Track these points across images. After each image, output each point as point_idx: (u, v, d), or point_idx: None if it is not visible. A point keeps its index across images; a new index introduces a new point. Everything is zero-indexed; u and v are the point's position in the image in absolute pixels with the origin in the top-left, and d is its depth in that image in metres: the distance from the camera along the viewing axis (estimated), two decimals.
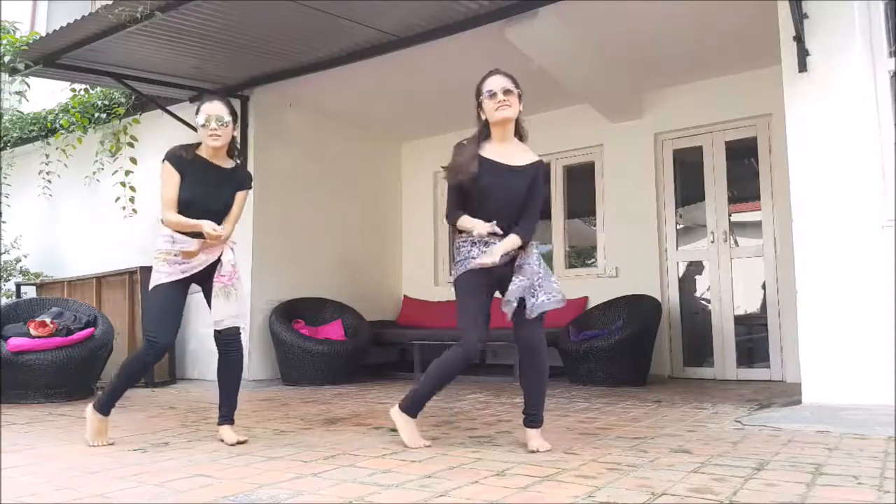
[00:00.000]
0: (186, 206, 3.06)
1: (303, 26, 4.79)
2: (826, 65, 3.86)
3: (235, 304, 3.15)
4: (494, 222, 2.82)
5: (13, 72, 5.25)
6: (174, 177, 3.08)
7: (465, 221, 2.90)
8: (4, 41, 5.25)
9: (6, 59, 5.11)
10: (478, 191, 2.88)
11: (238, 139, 3.35)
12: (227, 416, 3.17)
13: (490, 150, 2.94)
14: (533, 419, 2.88)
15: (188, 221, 3.04)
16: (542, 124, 6.78)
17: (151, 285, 3.11)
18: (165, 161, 3.12)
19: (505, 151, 2.95)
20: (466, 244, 2.92)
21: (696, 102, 6.06)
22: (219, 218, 3.11)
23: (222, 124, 3.09)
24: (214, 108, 3.10)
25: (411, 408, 2.97)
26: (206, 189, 3.11)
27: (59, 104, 7.18)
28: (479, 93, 2.98)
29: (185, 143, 3.23)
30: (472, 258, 2.88)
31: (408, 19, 4.74)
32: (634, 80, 6.03)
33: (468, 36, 4.75)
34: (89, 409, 3.11)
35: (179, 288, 3.12)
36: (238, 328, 3.23)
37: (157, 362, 3.17)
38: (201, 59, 5.32)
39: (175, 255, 3.06)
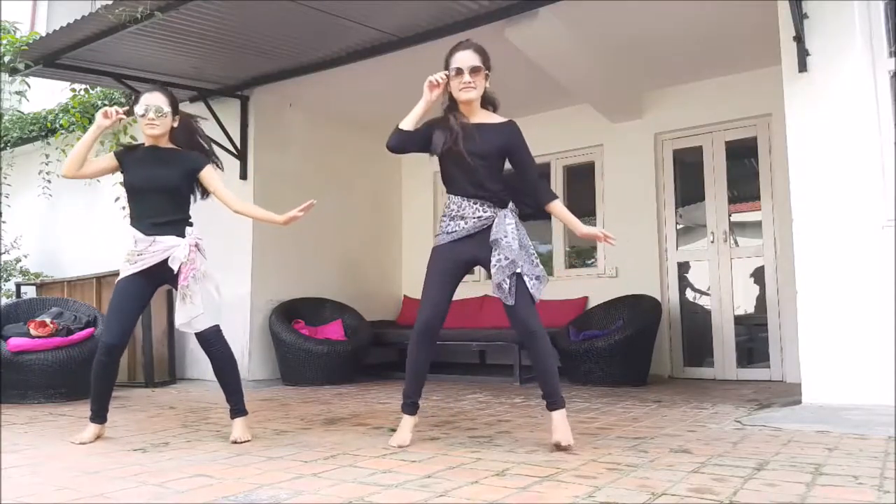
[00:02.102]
0: (133, 190, 3.16)
1: (303, 26, 4.79)
2: (826, 65, 3.86)
3: (192, 307, 3.07)
4: (438, 78, 2.90)
5: (13, 72, 5.24)
6: (108, 156, 3.24)
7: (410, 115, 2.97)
8: (4, 41, 5.25)
9: (6, 59, 5.11)
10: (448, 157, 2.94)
11: (201, 131, 3.40)
12: (233, 410, 3.17)
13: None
14: (550, 402, 2.83)
15: (76, 150, 3.14)
16: (542, 124, 6.79)
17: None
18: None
19: (473, 119, 2.99)
20: (445, 218, 2.99)
21: (696, 102, 6.06)
22: (166, 195, 3.14)
23: (160, 115, 3.15)
24: (153, 99, 3.17)
25: (403, 403, 2.99)
26: (150, 170, 3.16)
27: (59, 104, 7.18)
28: (447, 65, 2.96)
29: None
30: (447, 232, 2.95)
31: (408, 19, 4.74)
32: (634, 80, 6.03)
33: (468, 36, 4.74)
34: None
35: (138, 286, 3.12)
36: (211, 329, 3.14)
37: (111, 361, 3.10)
38: (201, 59, 5.32)
39: (139, 255, 3.09)
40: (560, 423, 2.78)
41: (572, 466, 2.45)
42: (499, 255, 2.83)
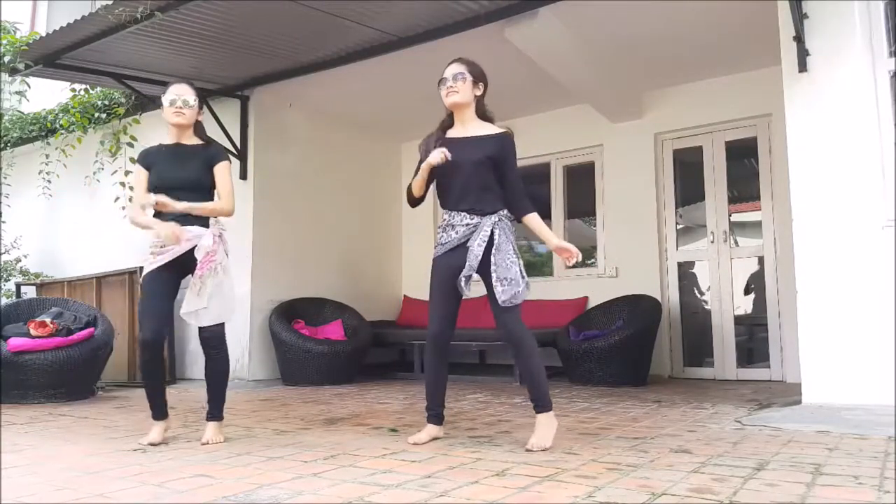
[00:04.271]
0: (156, 190, 3.13)
1: (303, 26, 4.79)
2: (826, 65, 3.86)
3: (203, 299, 3.03)
4: (445, 150, 2.94)
5: (13, 72, 5.24)
6: (141, 174, 3.20)
7: (416, 178, 3.12)
8: (4, 41, 5.25)
9: (6, 59, 5.11)
10: (438, 168, 2.99)
11: (203, 127, 3.36)
12: (211, 414, 3.19)
13: (451, 133, 3.08)
14: (536, 404, 2.89)
15: (142, 221, 3.12)
16: (542, 124, 6.80)
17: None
18: (136, 162, 3.25)
19: (464, 130, 3.06)
20: (440, 230, 3.10)
21: (696, 102, 6.06)
22: (191, 192, 3.11)
23: (188, 105, 3.17)
24: (182, 90, 3.20)
25: (427, 415, 3.08)
26: (171, 168, 3.16)
27: (59, 104, 7.18)
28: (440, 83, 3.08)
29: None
30: (441, 244, 3.05)
31: (408, 19, 4.74)
32: (634, 80, 6.03)
33: (468, 36, 4.75)
34: None
35: (165, 279, 3.10)
36: (216, 326, 3.13)
37: (151, 358, 3.07)
38: (201, 59, 5.32)
39: (161, 247, 3.07)
40: (540, 426, 2.84)
41: (572, 466, 2.45)
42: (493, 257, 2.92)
